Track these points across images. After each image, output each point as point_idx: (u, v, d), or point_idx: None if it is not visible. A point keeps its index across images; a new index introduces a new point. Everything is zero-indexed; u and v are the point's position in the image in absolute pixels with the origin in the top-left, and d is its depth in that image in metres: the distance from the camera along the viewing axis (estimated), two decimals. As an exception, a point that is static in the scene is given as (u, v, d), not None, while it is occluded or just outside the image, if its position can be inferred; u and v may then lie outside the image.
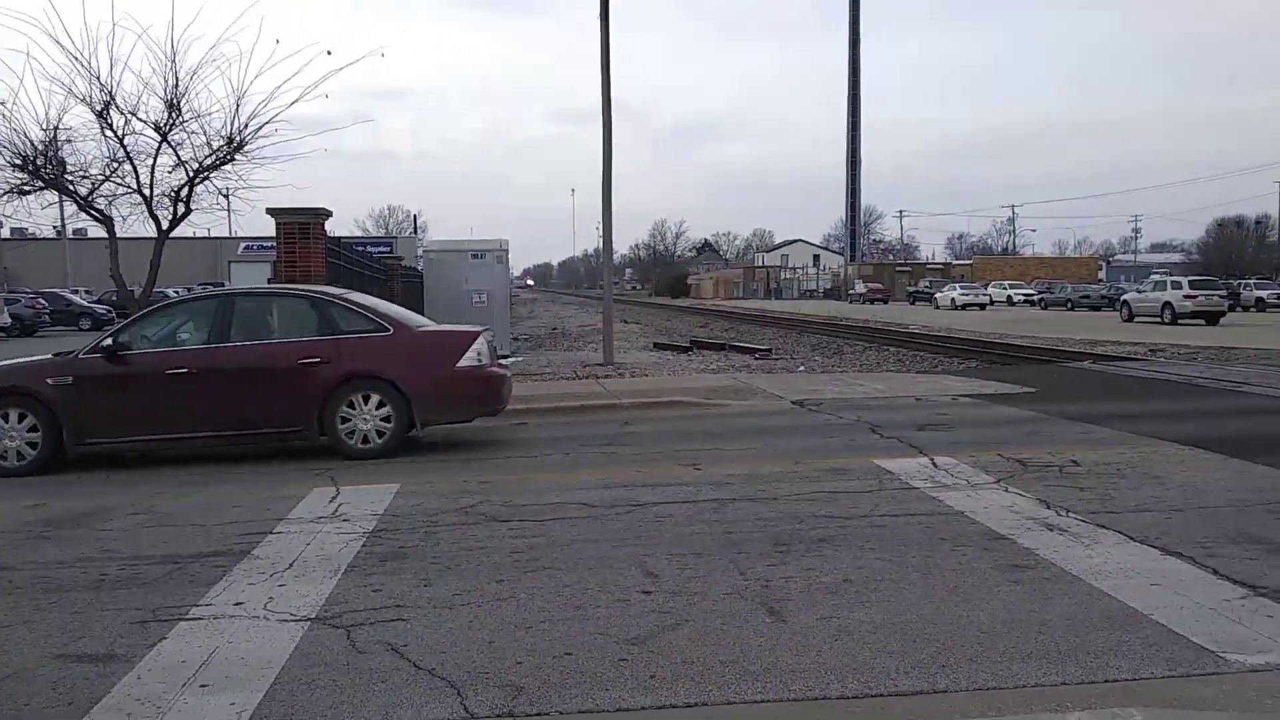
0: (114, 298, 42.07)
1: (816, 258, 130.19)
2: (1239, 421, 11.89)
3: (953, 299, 63.95)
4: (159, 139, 16.02)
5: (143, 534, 7.48)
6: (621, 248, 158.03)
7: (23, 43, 30.45)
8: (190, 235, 55.41)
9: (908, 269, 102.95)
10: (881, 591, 5.63)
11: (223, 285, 70.78)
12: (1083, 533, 6.72)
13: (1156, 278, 45.91)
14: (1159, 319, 38.37)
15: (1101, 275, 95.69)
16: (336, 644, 5.02)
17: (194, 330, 10.98)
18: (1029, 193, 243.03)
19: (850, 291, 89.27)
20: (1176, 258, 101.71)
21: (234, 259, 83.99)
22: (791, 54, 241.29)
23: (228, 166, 16.59)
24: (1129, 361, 20.54)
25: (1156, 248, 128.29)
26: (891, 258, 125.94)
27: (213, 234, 53.66)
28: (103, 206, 16.67)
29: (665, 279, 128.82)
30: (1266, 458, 9.13)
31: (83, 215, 17.02)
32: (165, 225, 16.61)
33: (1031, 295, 68.11)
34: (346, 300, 11.33)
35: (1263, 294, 53.10)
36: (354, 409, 10.58)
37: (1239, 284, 55.52)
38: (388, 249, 52.31)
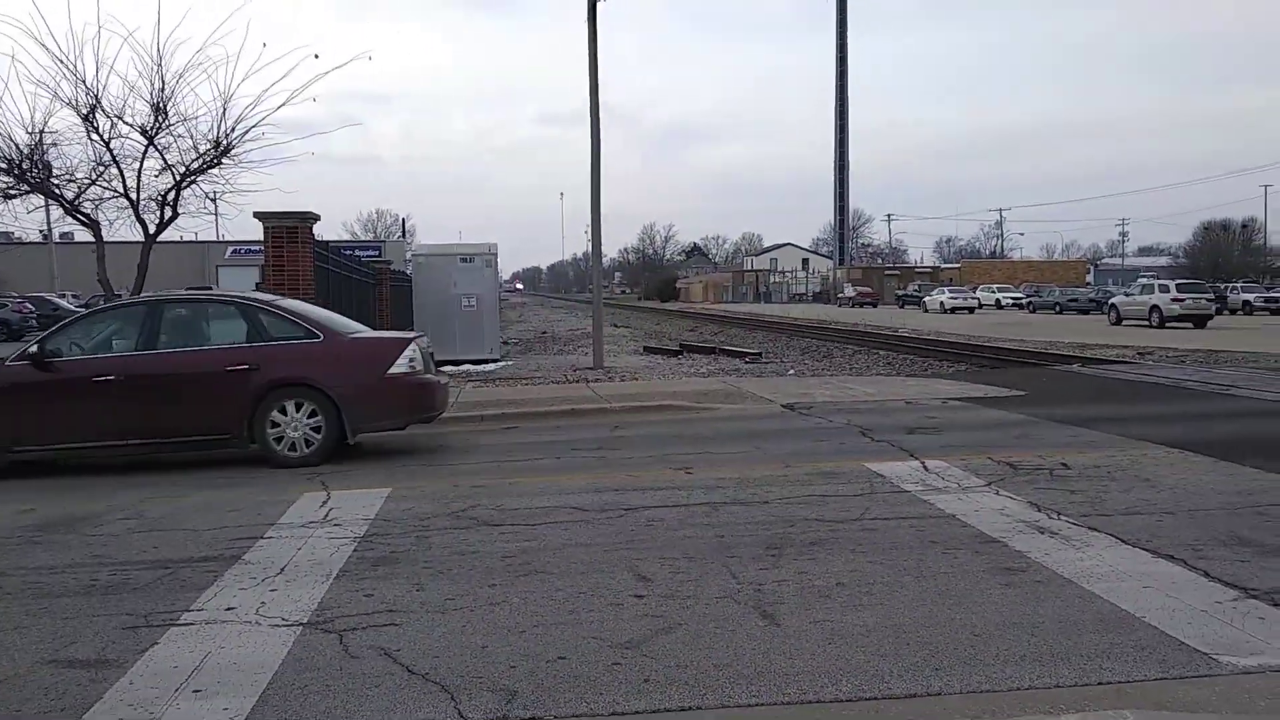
0: (101, 302, 41.95)
1: (805, 261, 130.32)
2: (1228, 424, 11.95)
3: (942, 302, 64.10)
4: (145, 142, 16.00)
5: (133, 539, 7.45)
6: (611, 251, 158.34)
7: (7, 45, 30.36)
8: (177, 239, 55.21)
9: (896, 272, 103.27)
10: (874, 594, 5.64)
11: (210, 289, 70.59)
12: (1074, 535, 6.75)
13: (1144, 281, 46.08)
14: (1147, 322, 38.52)
15: (1089, 279, 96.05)
16: (329, 649, 5.00)
17: (122, 337, 10.84)
18: (1017, 196, 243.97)
19: (839, 295, 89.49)
20: (1164, 261, 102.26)
21: (221, 263, 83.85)
22: (779, 57, 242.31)
23: (215, 170, 16.59)
24: (1117, 365, 20.62)
25: (1144, 251, 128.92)
26: (880, 261, 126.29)
27: (200, 238, 53.45)
28: (89, 210, 16.64)
29: (654, 283, 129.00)
30: (1255, 460, 9.18)
31: (69, 219, 16.99)
32: (152, 229, 16.57)
33: (1020, 299, 68.33)
34: (276, 306, 11.18)
35: (1249, 297, 53.44)
36: (283, 417, 10.48)
37: (1226, 287, 55.89)
38: (376, 253, 52.31)
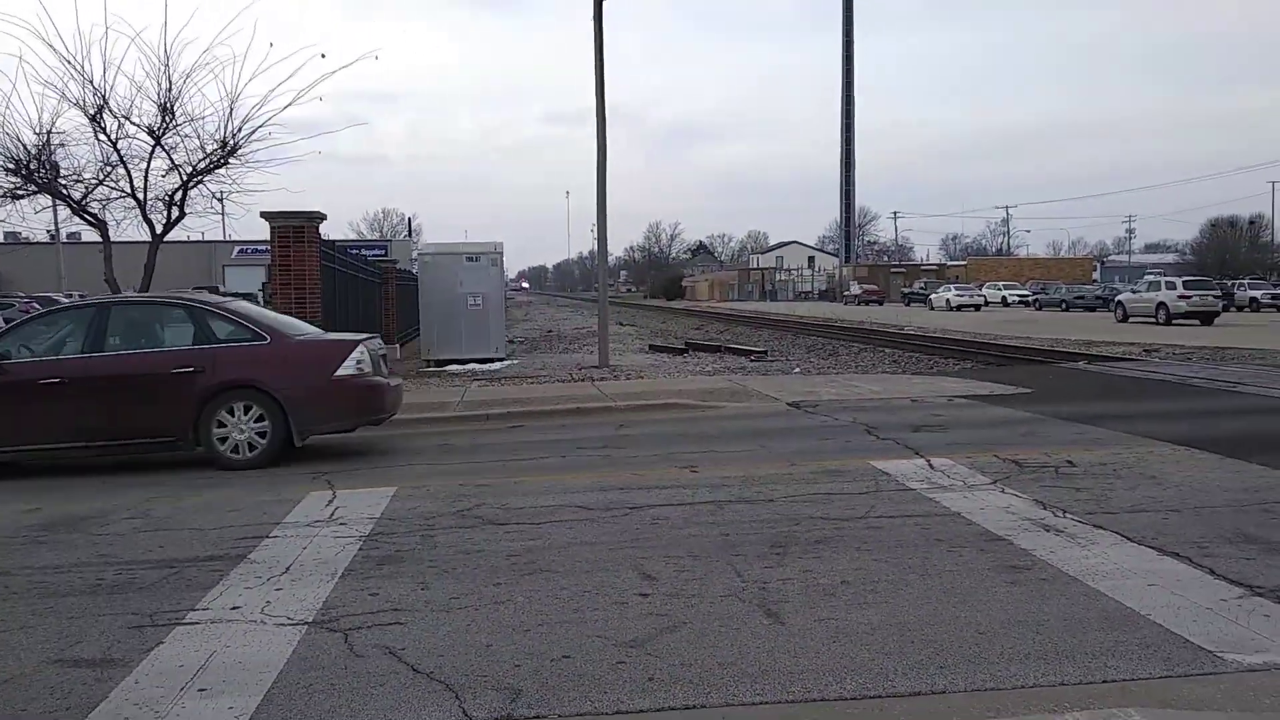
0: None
1: (811, 259, 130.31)
2: (1234, 421, 11.92)
3: (948, 300, 64.00)
4: (152, 142, 16.04)
5: (139, 538, 7.47)
6: (616, 250, 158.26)
7: (15, 46, 30.45)
8: (184, 239, 55.34)
9: (902, 270, 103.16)
10: (879, 593, 5.64)
11: (217, 289, 70.82)
12: (1079, 533, 6.73)
13: (1151, 278, 46.02)
14: (1154, 319, 38.43)
15: (1096, 276, 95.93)
16: (334, 648, 5.01)
17: (71, 339, 10.81)
18: (1023, 194, 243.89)
19: (845, 293, 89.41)
20: (1171, 258, 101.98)
21: (228, 262, 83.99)
22: (785, 55, 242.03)
23: (221, 170, 16.64)
24: (1124, 362, 20.58)
25: (1151, 248, 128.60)
26: (886, 259, 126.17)
27: (207, 238, 53.56)
28: (96, 210, 16.70)
29: (660, 281, 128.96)
30: (1262, 457, 9.16)
31: (76, 219, 17.04)
32: (159, 229, 16.62)
33: (1026, 296, 68.22)
34: (223, 309, 11.17)
35: (1257, 294, 53.24)
36: (230, 419, 10.45)
37: (1233, 284, 55.67)
38: (382, 252, 52.29)
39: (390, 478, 9.57)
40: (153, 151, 16.12)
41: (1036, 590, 5.60)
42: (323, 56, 16.52)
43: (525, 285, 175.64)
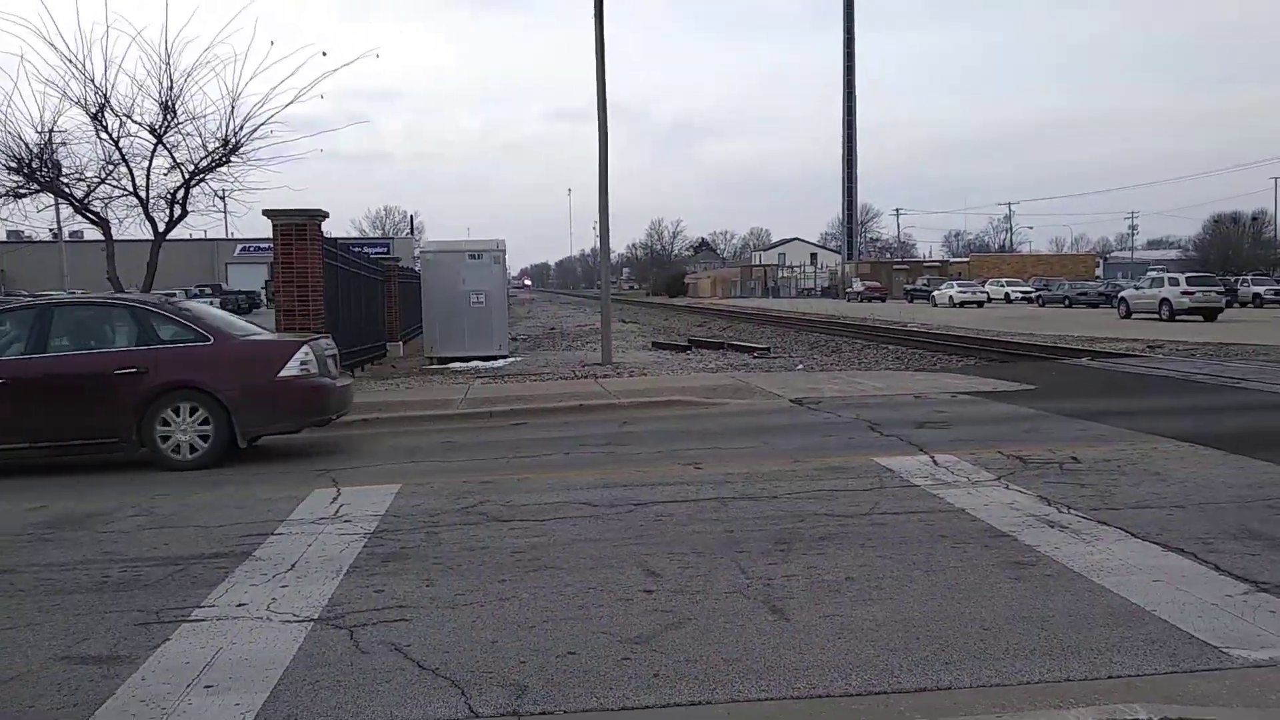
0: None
1: (814, 256, 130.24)
2: (1238, 417, 11.91)
3: (950, 296, 63.96)
4: (154, 141, 16.06)
5: (144, 536, 7.48)
6: (619, 247, 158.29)
7: (16, 45, 30.44)
8: (187, 237, 55.30)
9: (905, 267, 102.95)
10: (883, 589, 5.64)
11: (220, 287, 70.85)
12: (1084, 529, 6.73)
13: (1154, 274, 45.98)
14: (1157, 315, 38.41)
15: (1099, 272, 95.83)
16: (340, 644, 5.02)
17: (14, 341, 10.74)
18: (1026, 190, 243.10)
19: (848, 290, 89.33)
20: (1173, 254, 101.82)
21: (231, 260, 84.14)
22: (787, 52, 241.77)
23: (223, 168, 16.65)
24: (1127, 358, 20.56)
25: (1153, 244, 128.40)
26: (889, 256, 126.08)
27: (209, 236, 53.55)
28: (99, 209, 16.72)
29: (663, 278, 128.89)
30: (1266, 453, 9.15)
31: (79, 218, 17.05)
32: (162, 227, 16.64)
33: (1029, 292, 68.16)
34: (166, 310, 11.13)
35: (1260, 290, 53.18)
36: (175, 419, 10.44)
37: (1236, 280, 55.60)
38: (384, 250, 52.35)
39: (394, 475, 9.58)
40: (154, 150, 16.15)
41: (1041, 586, 5.60)
42: (324, 55, 16.49)
43: (527, 283, 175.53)
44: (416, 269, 30.42)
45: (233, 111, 16.18)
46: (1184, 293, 38.26)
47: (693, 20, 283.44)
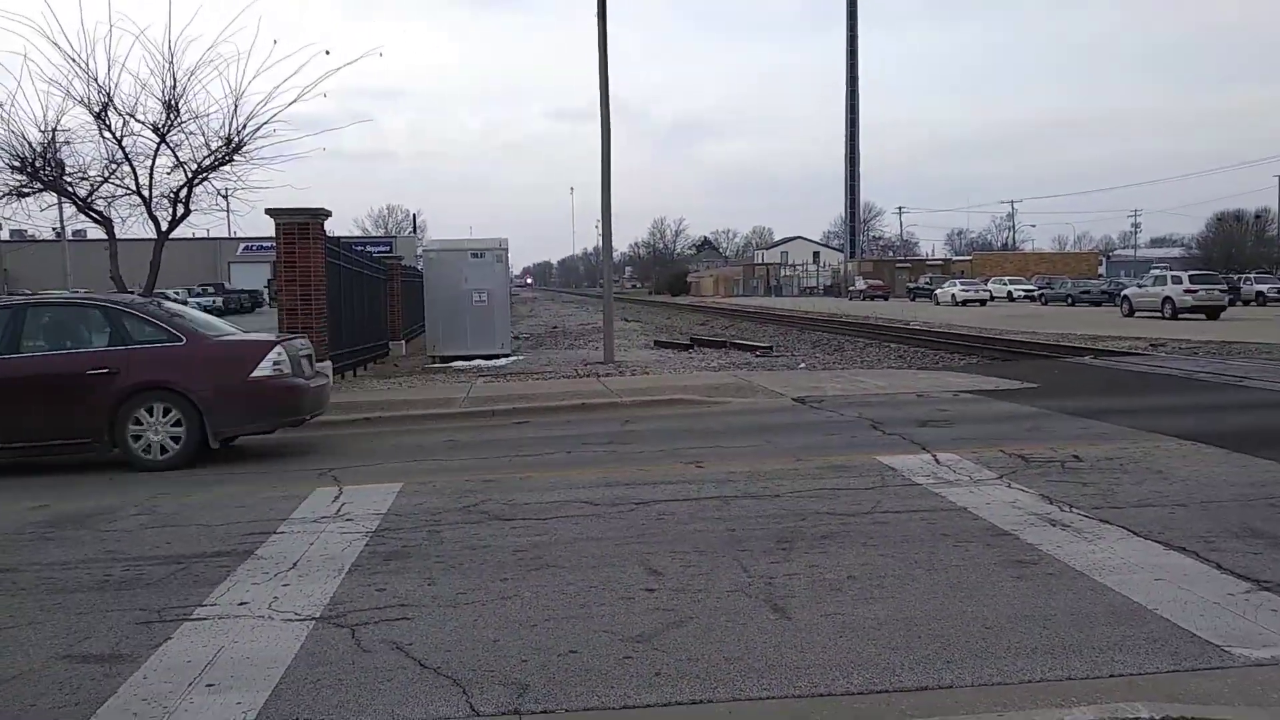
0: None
1: (816, 255, 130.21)
2: (1241, 416, 11.89)
3: (953, 295, 63.89)
4: (157, 140, 16.05)
5: (146, 534, 7.49)
6: (621, 246, 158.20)
7: (20, 44, 30.51)
8: (190, 236, 55.40)
9: (908, 265, 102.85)
10: (885, 588, 5.64)
11: (223, 286, 70.92)
12: (1086, 528, 6.73)
13: (1157, 273, 45.90)
14: (1159, 314, 38.36)
15: (1101, 270, 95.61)
16: (342, 643, 5.03)
17: None
18: (1028, 189, 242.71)
19: (850, 288, 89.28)
20: (1176, 252, 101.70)
21: (234, 259, 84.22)
22: (789, 51, 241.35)
23: (226, 167, 16.63)
24: (1130, 356, 20.54)
25: (1156, 242, 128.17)
26: (891, 254, 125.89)
27: (212, 235, 53.65)
28: (102, 208, 16.71)
29: (665, 277, 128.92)
30: (1268, 452, 9.13)
31: (82, 217, 17.05)
32: (165, 226, 16.63)
33: (1032, 291, 68.08)
34: (140, 310, 11.10)
35: (1263, 288, 53.12)
36: (148, 419, 10.41)
37: (1239, 278, 55.52)
38: (387, 249, 52.36)
39: (396, 474, 9.58)
40: (158, 149, 16.13)
41: (1043, 585, 5.60)
42: (327, 53, 16.46)
43: (529, 281, 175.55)
44: (419, 268, 30.41)
45: (236, 110, 16.17)
46: (1187, 291, 38.19)
47: (693, 20, 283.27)
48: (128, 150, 16.10)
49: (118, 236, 16.89)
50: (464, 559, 6.47)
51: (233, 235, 72.62)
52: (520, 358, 23.47)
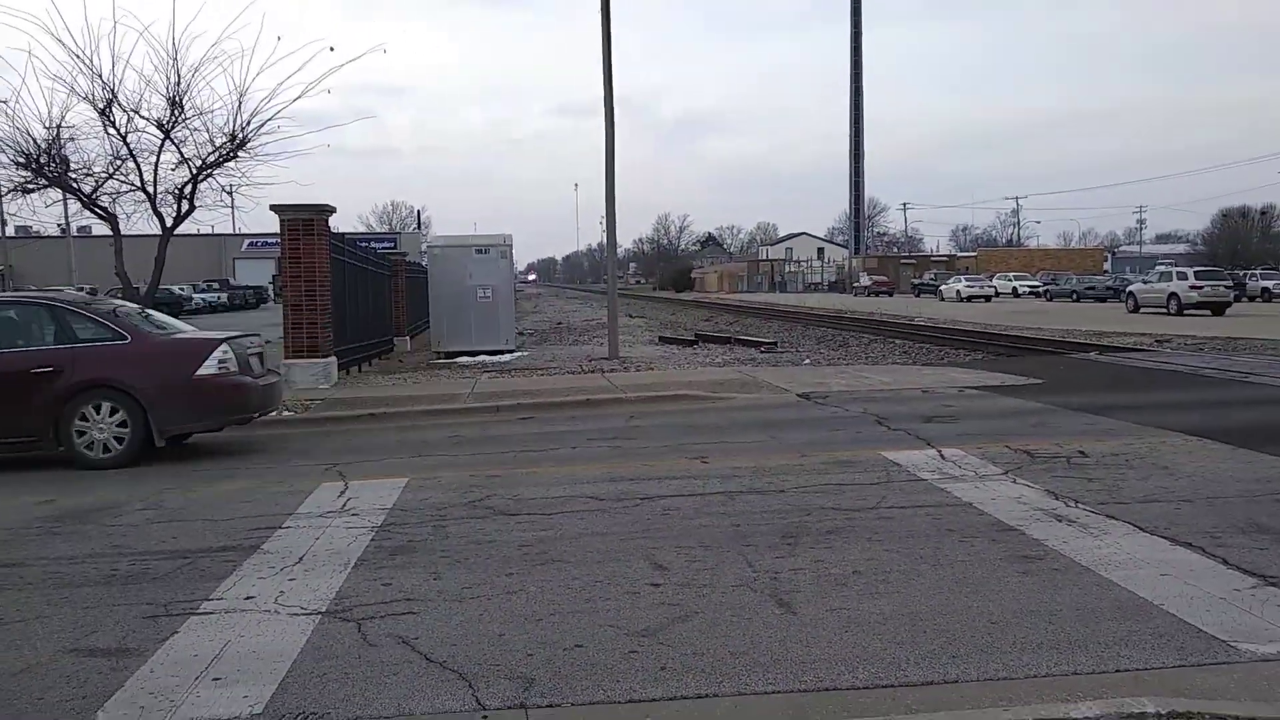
0: (119, 295, 42.21)
1: (821, 251, 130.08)
2: (1246, 411, 11.88)
3: (958, 291, 63.77)
4: (162, 136, 16.06)
5: (152, 529, 7.51)
6: (625, 242, 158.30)
7: (24, 41, 30.46)
8: (194, 232, 55.26)
9: (912, 261, 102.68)
10: (891, 583, 5.64)
11: (228, 282, 70.99)
12: (1092, 523, 6.72)
13: (1162, 269, 45.73)
14: (1165, 310, 38.28)
15: (1107, 266, 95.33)
16: (348, 637, 5.04)
17: None
18: (1033, 185, 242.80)
19: (855, 284, 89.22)
20: (1182, 248, 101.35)
21: (238, 255, 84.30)
22: (793, 47, 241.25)
23: (231, 163, 16.64)
24: (1135, 352, 20.51)
25: (1162, 238, 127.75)
26: (896, 250, 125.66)
27: (217, 231, 53.65)
28: (107, 204, 16.73)
29: (669, 273, 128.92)
30: (1274, 447, 9.12)
31: (87, 213, 17.09)
32: (169, 222, 16.65)
33: (1037, 287, 67.95)
34: (84, 308, 11.09)
35: (1268, 284, 53.00)
36: (94, 416, 10.39)
37: (1245, 274, 55.41)
38: (391, 245, 52.41)
39: (401, 469, 9.59)
40: (162, 145, 16.15)
41: (1049, 580, 5.59)
42: (331, 50, 16.48)
43: (533, 277, 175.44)
44: (423, 264, 30.41)
45: (240, 107, 16.19)
46: (1192, 287, 38.11)
47: (695, 16, 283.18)
48: (132, 146, 16.13)
49: (123, 233, 16.92)
50: (469, 554, 6.48)
51: (237, 231, 72.75)
52: (525, 354, 23.48)
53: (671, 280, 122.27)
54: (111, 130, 15.95)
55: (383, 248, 34.50)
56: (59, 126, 15.97)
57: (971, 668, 4.44)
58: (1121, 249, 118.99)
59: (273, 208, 16.64)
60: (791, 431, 11.15)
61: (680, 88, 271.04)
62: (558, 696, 4.27)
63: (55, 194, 17.59)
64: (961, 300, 61.28)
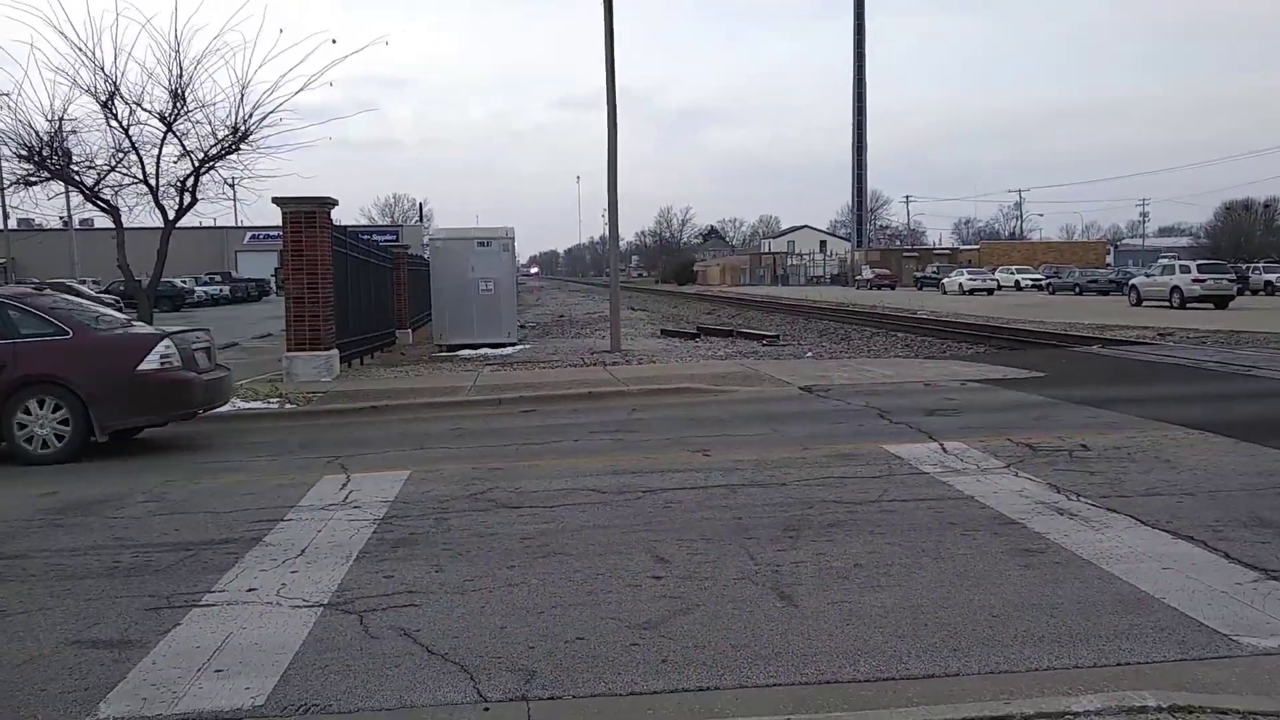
0: (121, 288, 42.17)
1: (823, 243, 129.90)
2: (1249, 405, 11.87)
3: (960, 284, 63.71)
4: (164, 129, 16.02)
5: (154, 521, 7.51)
6: (627, 235, 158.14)
7: (27, 33, 30.50)
8: (197, 225, 55.36)
9: (915, 254, 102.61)
10: (892, 576, 5.64)
11: (230, 274, 71.01)
12: (1093, 517, 6.72)
13: (1165, 262, 45.70)
14: (1167, 303, 38.22)
15: (1109, 260, 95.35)
16: (350, 629, 5.04)
17: None
18: (1036, 177, 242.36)
19: (857, 277, 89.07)
20: (1184, 241, 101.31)
21: (241, 248, 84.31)
22: (796, 38, 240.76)
23: (233, 156, 16.60)
24: (1137, 346, 20.49)
25: (1164, 231, 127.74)
26: (898, 243, 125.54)
27: (219, 223, 53.76)
28: (109, 197, 16.70)
29: (672, 266, 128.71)
30: (1277, 441, 9.11)
31: (89, 206, 17.06)
32: (171, 215, 16.62)
33: (1039, 280, 67.82)
34: (24, 303, 11.01)
35: (1271, 277, 52.82)
36: (36, 411, 10.35)
37: (1247, 267, 55.26)
38: (394, 237, 52.43)
39: (403, 461, 9.60)
40: (164, 138, 16.10)
41: (1050, 573, 5.60)
42: (334, 42, 16.44)
43: (534, 270, 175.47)
44: (425, 256, 30.41)
45: (242, 99, 16.14)
46: (1195, 280, 38.03)
47: (697, 6, 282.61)
48: (134, 139, 16.09)
49: (125, 225, 16.90)
50: (471, 546, 6.49)
51: (240, 224, 72.82)
52: (527, 346, 23.48)
53: (674, 273, 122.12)
54: (114, 123, 15.92)
55: (385, 240, 34.54)
56: (61, 119, 15.94)
57: (973, 661, 4.45)
58: (1124, 242, 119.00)
59: (275, 200, 16.64)
60: (793, 425, 11.15)
61: (682, 79, 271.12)
62: (559, 689, 4.28)
63: (57, 187, 17.51)
64: (964, 293, 61.21)
